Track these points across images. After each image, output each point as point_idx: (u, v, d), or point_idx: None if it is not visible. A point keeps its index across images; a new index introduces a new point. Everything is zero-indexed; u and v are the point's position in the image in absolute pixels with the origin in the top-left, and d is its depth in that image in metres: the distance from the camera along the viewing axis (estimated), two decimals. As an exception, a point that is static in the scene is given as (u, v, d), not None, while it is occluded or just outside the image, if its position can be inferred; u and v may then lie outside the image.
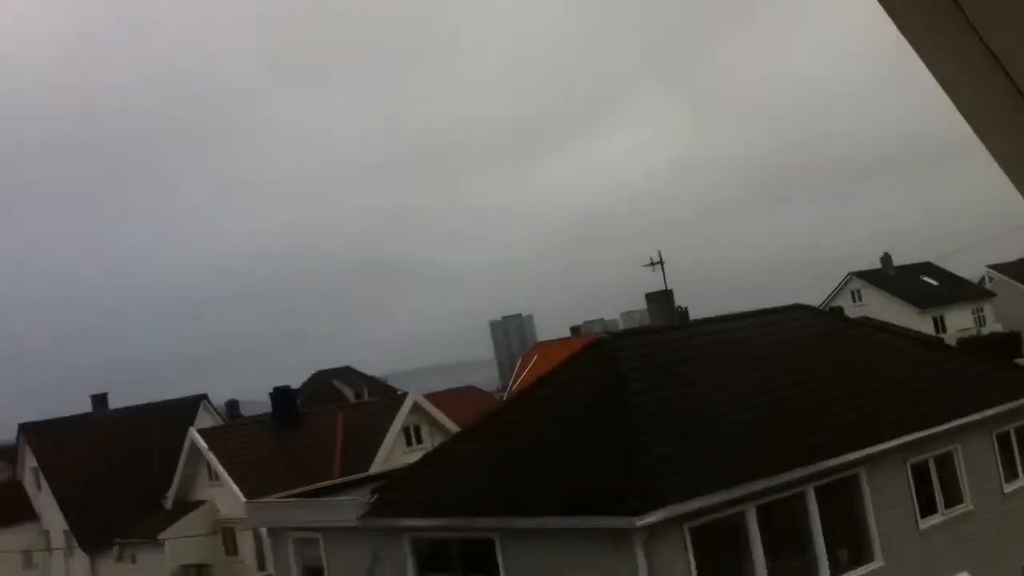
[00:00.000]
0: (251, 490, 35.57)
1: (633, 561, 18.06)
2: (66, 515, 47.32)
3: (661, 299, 31.10)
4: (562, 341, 71.68)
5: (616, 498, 18.34)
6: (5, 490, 53.18)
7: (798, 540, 20.76)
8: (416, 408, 43.36)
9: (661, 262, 32.60)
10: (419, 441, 42.23)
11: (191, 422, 47.43)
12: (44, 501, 50.06)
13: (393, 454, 39.95)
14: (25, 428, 51.86)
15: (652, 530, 17.97)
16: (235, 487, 38.16)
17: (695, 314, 33.30)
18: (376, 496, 23.26)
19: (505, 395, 58.47)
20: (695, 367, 22.95)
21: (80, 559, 47.02)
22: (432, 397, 46.72)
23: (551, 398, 22.80)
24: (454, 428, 39.86)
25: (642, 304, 32.40)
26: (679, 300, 32.48)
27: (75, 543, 47.02)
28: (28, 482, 52.07)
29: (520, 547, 20.08)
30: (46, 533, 50.43)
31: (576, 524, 18.75)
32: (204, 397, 54.06)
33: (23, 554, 50.51)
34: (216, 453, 40.23)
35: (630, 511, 17.87)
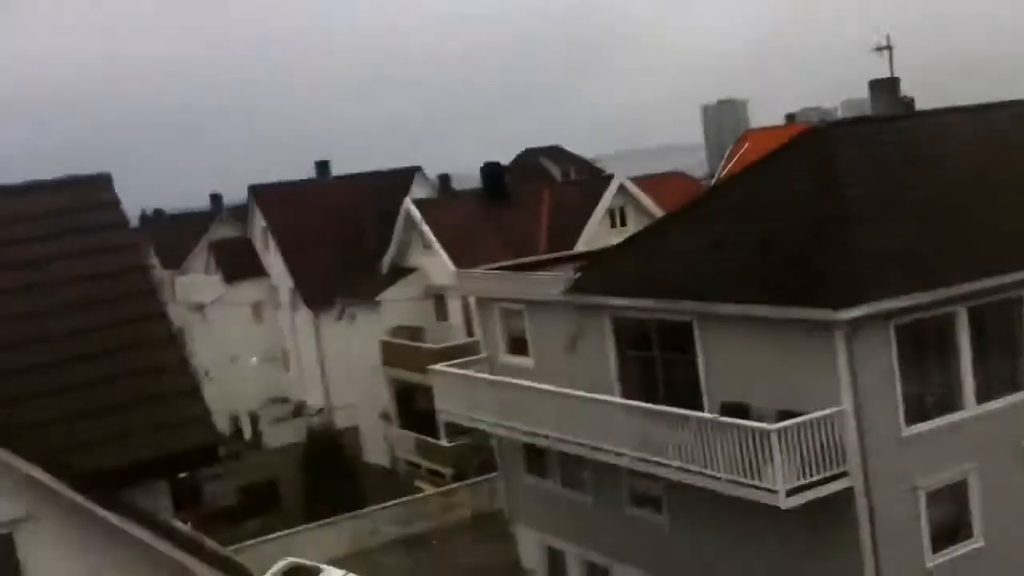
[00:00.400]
0: (460, 260, 37.02)
1: (832, 355, 18.01)
2: (291, 273, 50.63)
3: (885, 87, 29.55)
4: (776, 128, 69.36)
5: (820, 289, 18.15)
6: (237, 246, 57.13)
7: (1010, 346, 20.13)
8: (622, 190, 43.41)
9: (889, 47, 30.76)
10: (623, 224, 42.51)
11: (406, 192, 49.15)
12: (272, 259, 53.59)
13: (597, 235, 40.41)
14: (255, 189, 54.98)
15: (855, 324, 17.78)
16: (445, 256, 39.75)
17: (922, 105, 31.43)
18: (580, 274, 23.78)
19: (713, 182, 57.58)
20: (916, 161, 21.95)
21: (304, 314, 50.55)
22: (638, 181, 46.52)
23: (760, 186, 22.39)
24: (659, 212, 39.84)
25: (865, 92, 30.89)
26: (906, 89, 30.74)
27: (300, 299, 50.49)
28: (257, 240, 55.69)
29: (718, 332, 20.32)
30: (274, 289, 54.23)
31: (777, 313, 18.72)
32: (418, 169, 55.62)
33: (253, 307, 54.73)
34: (429, 223, 41.78)
35: (834, 303, 17.69)
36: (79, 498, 11.56)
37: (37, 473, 11.43)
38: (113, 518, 11.66)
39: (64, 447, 12.07)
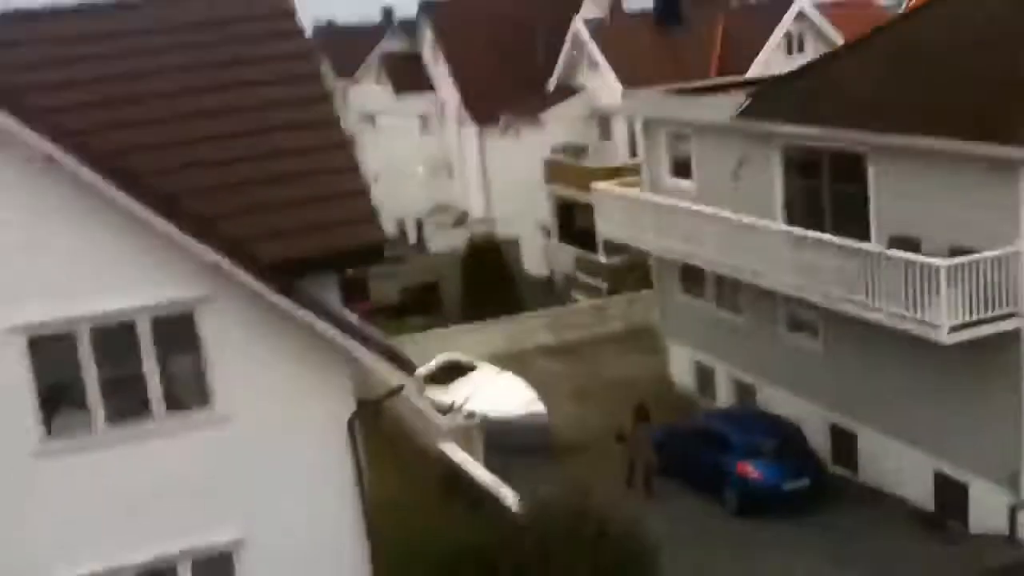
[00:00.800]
0: (627, 81, 36.51)
1: (1014, 194, 17.28)
2: (459, 87, 50.92)
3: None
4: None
5: (1006, 125, 17.31)
6: (406, 59, 57.58)
7: None
8: (801, 16, 41.58)
9: None
10: (801, 50, 40.92)
11: (577, 10, 48.17)
12: (440, 73, 53.88)
13: (772, 62, 39.05)
14: (425, 4, 54.87)
15: (1042, 163, 16.98)
16: (613, 77, 39.24)
17: None
18: (751, 99, 23.19)
19: (901, 9, 54.40)
20: None
21: (469, 129, 51.03)
22: (821, 6, 44.42)
23: (950, 17, 21.19)
24: (840, 40, 38.15)
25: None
26: None
27: (466, 113, 50.91)
28: (426, 55, 55.95)
29: (893, 164, 19.69)
30: (441, 103, 54.78)
31: (958, 148, 17.96)
32: (588, -14, 54.32)
33: (420, 119, 55.52)
34: (598, 43, 41.12)
35: (1020, 140, 16.89)
36: (256, 284, 12.34)
37: (218, 258, 12.23)
38: (286, 304, 12.44)
39: (243, 238, 12.82)
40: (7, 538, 12.05)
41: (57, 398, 12.18)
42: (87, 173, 11.68)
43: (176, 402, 12.50)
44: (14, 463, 11.95)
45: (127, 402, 12.32)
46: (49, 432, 12.11)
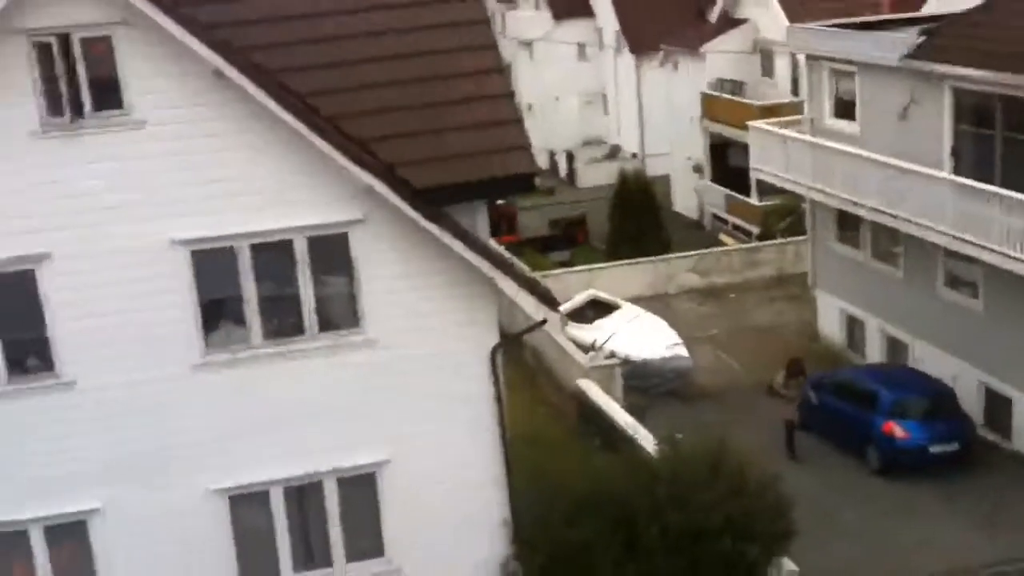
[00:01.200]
0: (794, 14, 35.15)
1: None
2: (618, 15, 50.03)
3: None
4: None
5: None
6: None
7: None
8: (988, -49, 39.12)
9: None
10: (983, -13, 38.55)
11: (744, -63, 46.57)
12: (600, 0, 53.02)
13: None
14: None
15: None
16: (779, 9, 37.86)
17: None
18: (924, 38, 22.11)
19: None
20: None
21: (626, 59, 50.18)
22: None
23: None
24: (1028, -23, 35.74)
25: None
26: None
27: (624, 43, 50.03)
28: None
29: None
30: (599, 31, 53.95)
31: None
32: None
33: (578, 47, 54.83)
34: (765, -28, 39.66)
35: None
36: (407, 209, 12.49)
37: (373, 183, 12.40)
38: (434, 229, 12.55)
39: (396, 162, 12.96)
40: (167, 446, 12.69)
41: (216, 314, 12.68)
42: (254, 89, 11.92)
43: (328, 323, 12.88)
44: (178, 374, 12.55)
45: (282, 320, 12.78)
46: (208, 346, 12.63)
